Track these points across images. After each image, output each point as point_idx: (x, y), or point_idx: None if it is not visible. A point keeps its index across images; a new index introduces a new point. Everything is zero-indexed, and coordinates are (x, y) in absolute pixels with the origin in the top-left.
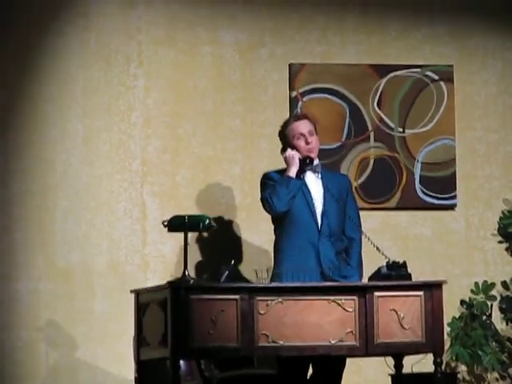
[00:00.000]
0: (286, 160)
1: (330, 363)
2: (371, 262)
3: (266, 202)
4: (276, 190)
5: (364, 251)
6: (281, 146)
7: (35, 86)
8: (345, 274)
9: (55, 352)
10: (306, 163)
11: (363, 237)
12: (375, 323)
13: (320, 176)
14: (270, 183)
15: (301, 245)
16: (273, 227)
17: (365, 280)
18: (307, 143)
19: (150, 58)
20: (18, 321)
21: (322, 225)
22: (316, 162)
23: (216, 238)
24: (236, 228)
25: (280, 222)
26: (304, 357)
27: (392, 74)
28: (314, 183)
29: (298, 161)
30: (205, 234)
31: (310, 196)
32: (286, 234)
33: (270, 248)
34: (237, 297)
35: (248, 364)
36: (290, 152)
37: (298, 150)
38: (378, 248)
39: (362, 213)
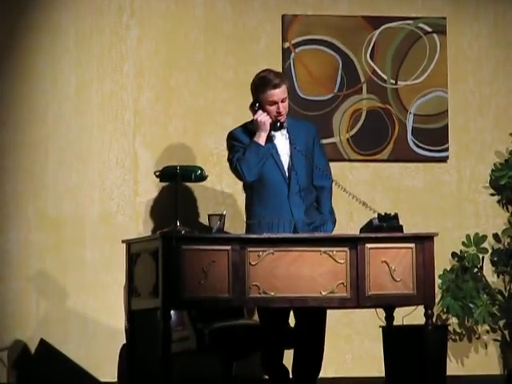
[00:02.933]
0: (257, 123)
1: (311, 313)
2: (362, 214)
3: (236, 170)
4: (246, 159)
5: (354, 204)
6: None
7: (27, 37)
8: (317, 224)
9: (46, 302)
10: (276, 127)
11: (336, 186)
12: (366, 275)
13: (286, 130)
14: (237, 145)
15: (272, 204)
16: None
17: (356, 231)
18: (278, 112)
19: (143, 8)
20: (9, 271)
21: (290, 182)
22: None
23: (208, 189)
24: (228, 179)
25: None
26: (283, 310)
27: (385, 26)
28: (280, 139)
29: (268, 127)
30: (196, 185)
31: (278, 154)
32: (257, 194)
33: None
34: (228, 248)
35: (238, 315)
36: (261, 116)
37: (268, 113)
38: (347, 193)
39: (354, 164)
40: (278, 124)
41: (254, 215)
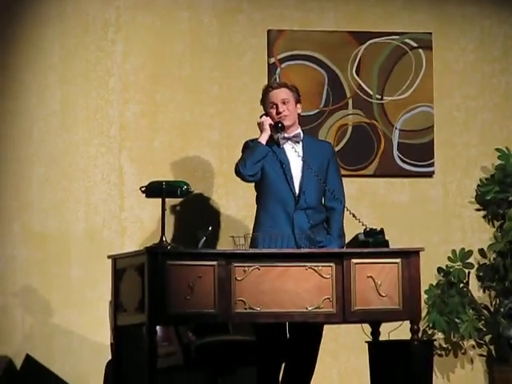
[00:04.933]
0: (258, 126)
1: (307, 332)
2: (349, 230)
3: (235, 171)
4: (243, 156)
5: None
6: (261, 113)
7: (12, 53)
8: (322, 244)
9: (31, 318)
10: (277, 128)
11: (345, 209)
12: (352, 290)
13: (301, 146)
14: (245, 151)
15: (276, 217)
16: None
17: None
18: (278, 113)
19: (128, 23)
20: None
21: (298, 199)
22: (298, 130)
23: (193, 204)
24: (213, 194)
25: (259, 193)
26: (281, 324)
27: (371, 41)
28: (294, 156)
29: (267, 127)
30: (182, 200)
31: (289, 169)
32: (264, 206)
33: (248, 214)
34: (214, 263)
35: (223, 330)
36: (261, 119)
37: (270, 117)
38: (356, 218)
39: None
40: (280, 125)
41: (259, 226)
